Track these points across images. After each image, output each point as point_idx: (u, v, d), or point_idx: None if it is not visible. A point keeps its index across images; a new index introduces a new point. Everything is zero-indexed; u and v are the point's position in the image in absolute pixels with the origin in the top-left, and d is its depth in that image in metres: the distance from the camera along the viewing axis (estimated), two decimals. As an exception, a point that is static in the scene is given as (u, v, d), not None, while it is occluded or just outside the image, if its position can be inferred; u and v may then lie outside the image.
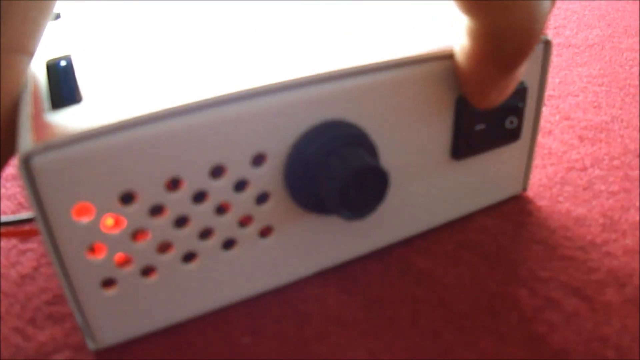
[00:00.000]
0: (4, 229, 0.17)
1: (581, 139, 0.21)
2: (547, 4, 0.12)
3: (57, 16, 0.18)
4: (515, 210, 0.18)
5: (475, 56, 0.13)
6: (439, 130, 0.15)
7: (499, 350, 0.13)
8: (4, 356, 0.13)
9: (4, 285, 0.16)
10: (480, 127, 0.15)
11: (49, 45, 0.16)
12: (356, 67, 0.13)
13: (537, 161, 0.20)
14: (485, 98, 0.14)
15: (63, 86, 0.12)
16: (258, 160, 0.13)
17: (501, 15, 0.12)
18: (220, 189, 0.12)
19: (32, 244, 0.17)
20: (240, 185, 0.13)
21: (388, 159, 0.14)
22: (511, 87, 0.14)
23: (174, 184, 0.12)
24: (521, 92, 0.16)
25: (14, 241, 0.18)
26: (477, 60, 0.13)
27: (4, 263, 0.17)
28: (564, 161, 0.20)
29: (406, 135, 0.14)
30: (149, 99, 0.12)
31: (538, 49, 0.16)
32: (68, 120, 0.11)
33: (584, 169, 0.19)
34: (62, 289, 0.15)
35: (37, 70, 0.14)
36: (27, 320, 0.14)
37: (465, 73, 0.14)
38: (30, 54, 0.12)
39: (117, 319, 0.13)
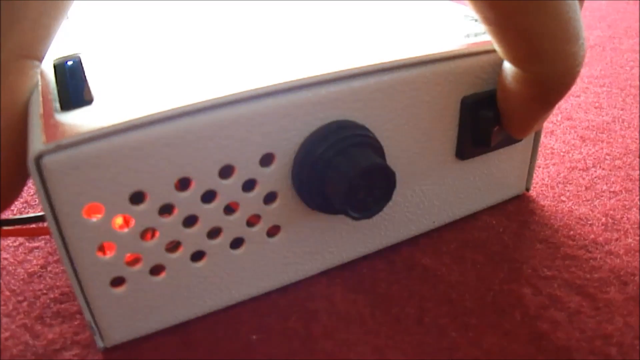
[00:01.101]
0: (10, 228, 0.17)
1: (583, 139, 0.22)
2: (582, 51, 0.13)
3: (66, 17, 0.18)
4: (518, 209, 0.18)
5: (523, 99, 0.14)
6: (444, 131, 0.15)
7: (503, 347, 0.13)
8: (13, 353, 0.14)
9: (12, 283, 0.16)
10: (484, 127, 0.15)
11: (58, 44, 0.16)
12: (363, 68, 0.13)
13: (539, 161, 0.20)
14: (526, 130, 0.15)
15: (70, 86, 0.12)
16: (266, 160, 0.13)
17: (548, 65, 0.13)
18: (229, 188, 0.13)
19: (39, 242, 0.18)
20: (249, 185, 0.13)
21: (394, 159, 0.14)
22: (548, 117, 0.15)
23: (183, 184, 0.12)
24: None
25: (21, 239, 0.18)
26: (523, 101, 0.14)
27: (11, 261, 0.17)
28: (566, 161, 0.20)
29: (412, 135, 0.15)
30: (158, 99, 0.12)
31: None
32: (78, 121, 0.11)
33: (586, 169, 0.20)
34: (70, 287, 0.16)
35: (47, 70, 0.14)
36: (35, 318, 0.15)
37: (510, 111, 0.15)
38: (40, 60, 0.12)
39: (125, 317, 0.13)
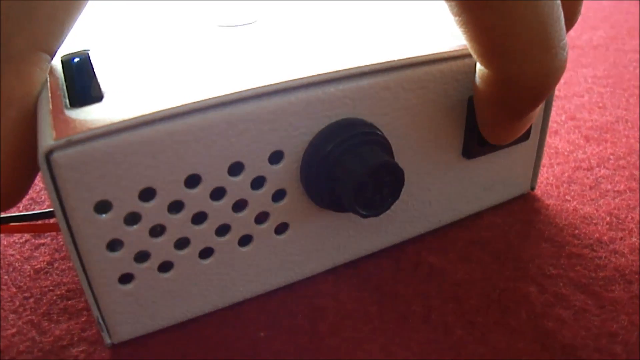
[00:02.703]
0: (17, 224, 0.17)
1: (587, 139, 0.22)
2: (560, 59, 0.12)
3: None
4: (523, 208, 0.18)
5: (488, 100, 0.13)
6: (451, 130, 0.15)
7: (510, 345, 0.13)
8: (19, 350, 0.14)
9: (18, 279, 0.16)
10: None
11: (67, 41, 0.16)
12: (371, 66, 0.13)
13: (544, 161, 0.20)
14: (497, 137, 0.14)
15: (78, 83, 0.12)
16: (275, 157, 0.13)
17: (513, 67, 0.12)
18: (238, 186, 0.13)
19: (45, 239, 0.18)
20: (258, 183, 0.13)
21: (401, 157, 0.15)
22: (522, 129, 0.14)
23: (192, 181, 0.12)
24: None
25: (27, 236, 0.18)
26: (489, 104, 0.13)
27: (17, 257, 0.17)
28: (570, 161, 0.20)
29: (419, 134, 0.15)
30: (169, 96, 0.12)
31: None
32: (88, 117, 0.11)
33: (591, 168, 0.20)
34: (77, 284, 0.16)
35: (56, 67, 0.14)
36: (42, 314, 0.15)
37: (480, 114, 0.14)
38: (52, 55, 0.12)
39: (133, 314, 0.13)
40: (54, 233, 0.18)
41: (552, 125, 0.22)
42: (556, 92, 0.25)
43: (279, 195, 0.13)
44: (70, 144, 0.11)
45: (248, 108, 0.12)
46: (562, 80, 0.26)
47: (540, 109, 0.14)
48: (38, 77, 0.12)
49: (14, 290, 0.16)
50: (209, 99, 0.12)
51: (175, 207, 0.12)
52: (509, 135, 0.14)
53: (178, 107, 0.11)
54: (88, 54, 0.14)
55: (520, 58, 0.12)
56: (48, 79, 0.13)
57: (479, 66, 0.13)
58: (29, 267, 0.16)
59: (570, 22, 0.13)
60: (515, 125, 0.14)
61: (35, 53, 0.12)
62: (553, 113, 0.23)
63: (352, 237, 0.15)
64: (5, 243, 0.17)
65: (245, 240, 0.14)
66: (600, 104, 0.24)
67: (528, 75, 0.12)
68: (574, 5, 0.14)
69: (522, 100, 0.13)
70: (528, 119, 0.14)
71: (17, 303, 0.15)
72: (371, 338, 0.13)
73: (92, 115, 0.11)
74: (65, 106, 0.12)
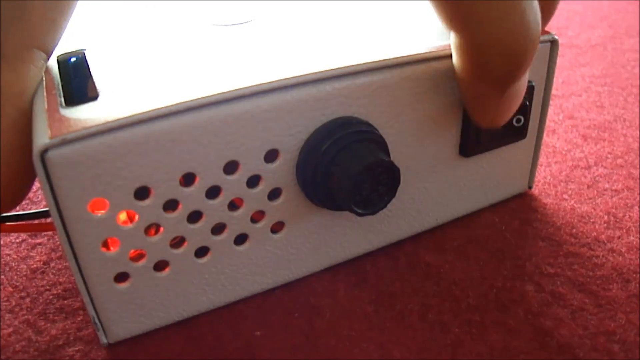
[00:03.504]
0: (13, 224, 0.17)
1: (585, 137, 0.22)
2: (535, 19, 0.11)
3: None
4: (521, 207, 0.18)
5: (465, 72, 0.12)
6: (448, 128, 0.15)
7: (507, 344, 0.13)
8: (16, 349, 0.14)
9: (15, 279, 0.16)
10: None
11: (62, 40, 0.16)
12: (367, 64, 0.13)
13: (541, 159, 0.20)
14: (485, 117, 0.13)
15: (74, 82, 0.12)
16: (271, 156, 0.13)
17: (483, 30, 0.11)
18: (233, 184, 0.13)
19: (41, 239, 0.17)
20: (253, 181, 0.13)
21: (397, 156, 0.14)
22: (510, 107, 0.13)
23: (187, 179, 0.12)
24: (528, 90, 0.16)
25: (23, 236, 0.18)
26: (468, 77, 0.13)
27: (14, 257, 0.17)
28: (568, 159, 0.20)
29: (416, 132, 0.15)
30: (164, 94, 0.12)
31: (544, 48, 0.16)
32: (83, 115, 0.11)
33: (588, 167, 0.20)
34: (73, 283, 0.16)
35: (52, 66, 0.14)
36: (38, 314, 0.15)
37: (461, 89, 0.13)
38: (47, 52, 0.12)
39: (129, 313, 0.13)
40: (50, 233, 0.18)
41: (549, 124, 0.22)
42: (554, 91, 0.25)
43: (274, 194, 0.13)
44: (65, 142, 0.11)
45: (243, 106, 0.12)
46: (559, 79, 0.26)
47: (524, 82, 0.13)
48: (34, 74, 0.12)
49: (10, 289, 0.16)
50: (204, 97, 0.12)
51: (171, 205, 0.12)
52: (498, 116, 0.13)
53: (173, 105, 0.11)
54: (84, 53, 0.14)
55: (488, 18, 0.11)
56: (44, 78, 0.13)
57: (452, 38, 0.12)
58: (25, 266, 0.16)
59: (543, 20, 0.13)
60: (501, 101, 0.13)
61: (30, 50, 0.12)
62: (551, 112, 0.23)
63: (349, 236, 0.15)
64: (1, 243, 0.17)
65: (241, 239, 0.14)
66: (598, 103, 0.24)
67: (501, 37, 0.11)
68: (548, 4, 0.13)
69: (500, 67, 0.12)
70: (514, 94, 0.13)
71: (14, 302, 0.15)
72: (368, 337, 0.13)
73: (87, 114, 0.11)
74: (61, 105, 0.12)
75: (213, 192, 0.13)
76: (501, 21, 0.11)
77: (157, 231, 0.12)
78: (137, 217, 0.12)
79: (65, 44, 0.15)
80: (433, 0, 0.11)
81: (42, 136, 0.11)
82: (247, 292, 0.14)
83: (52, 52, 0.13)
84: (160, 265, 0.13)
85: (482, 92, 0.13)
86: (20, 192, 0.12)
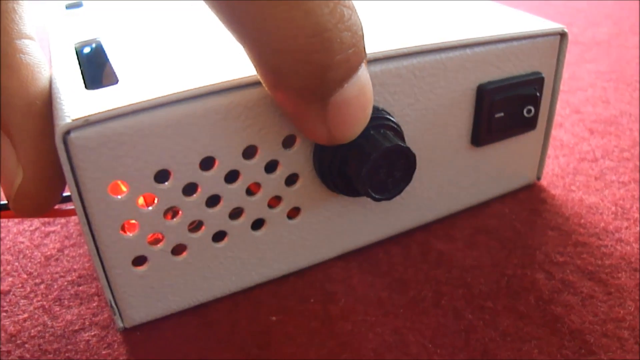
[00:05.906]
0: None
1: (591, 131, 0.22)
2: (323, 13, 0.09)
3: (79, 4, 0.19)
4: (530, 198, 0.18)
5: (264, 81, 0.11)
6: (460, 117, 0.15)
7: (519, 329, 0.13)
8: (31, 334, 0.14)
9: (29, 266, 0.16)
10: (499, 115, 0.16)
11: (78, 31, 0.16)
12: (383, 53, 0.13)
13: (549, 152, 0.20)
14: (315, 132, 0.11)
15: (92, 67, 0.12)
16: (289, 141, 0.13)
17: (255, 28, 0.09)
18: (252, 169, 0.13)
19: (55, 227, 0.18)
20: (271, 166, 0.13)
21: (411, 143, 0.15)
22: (346, 118, 0.11)
23: (206, 164, 0.12)
24: (539, 81, 0.16)
25: (37, 223, 0.18)
26: (268, 86, 0.11)
27: (28, 244, 0.17)
28: (575, 152, 0.20)
29: (429, 120, 0.15)
30: (185, 78, 0.12)
31: (554, 40, 0.16)
32: (105, 98, 0.11)
33: (595, 160, 0.20)
34: (88, 270, 0.16)
35: (70, 54, 0.14)
36: (53, 300, 0.15)
37: (276, 104, 0.11)
38: (33, 39, 0.12)
39: (146, 297, 0.13)
40: (63, 220, 0.18)
41: (556, 118, 0.23)
42: (561, 87, 0.25)
43: (291, 180, 0.13)
44: (87, 123, 0.11)
45: (263, 92, 0.12)
46: (566, 75, 0.27)
47: (358, 88, 0.11)
48: (26, 62, 0.12)
49: (25, 276, 0.16)
50: (225, 81, 0.12)
51: (190, 189, 0.12)
52: (333, 129, 0.11)
53: (195, 89, 0.12)
54: (100, 41, 0.14)
55: (260, 16, 0.09)
56: (58, 63, 0.13)
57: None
58: (39, 254, 0.16)
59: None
60: (328, 114, 0.11)
61: (10, 44, 0.11)
62: (558, 106, 0.24)
63: (362, 224, 0.15)
64: (15, 230, 0.17)
65: (257, 224, 0.14)
66: (604, 98, 0.24)
67: (278, 37, 0.09)
68: None
69: (295, 72, 0.10)
70: (343, 103, 0.11)
71: (28, 289, 0.15)
72: (383, 322, 0.14)
73: (109, 97, 0.11)
74: (82, 88, 0.12)
75: (232, 177, 0.13)
76: (274, 16, 0.09)
77: (174, 215, 0.13)
78: (156, 200, 0.12)
79: (82, 34, 0.15)
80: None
81: (64, 118, 0.11)
82: (262, 278, 0.15)
83: (35, 36, 0.12)
84: (177, 250, 0.13)
85: (295, 103, 0.11)
86: (53, 193, 0.12)
